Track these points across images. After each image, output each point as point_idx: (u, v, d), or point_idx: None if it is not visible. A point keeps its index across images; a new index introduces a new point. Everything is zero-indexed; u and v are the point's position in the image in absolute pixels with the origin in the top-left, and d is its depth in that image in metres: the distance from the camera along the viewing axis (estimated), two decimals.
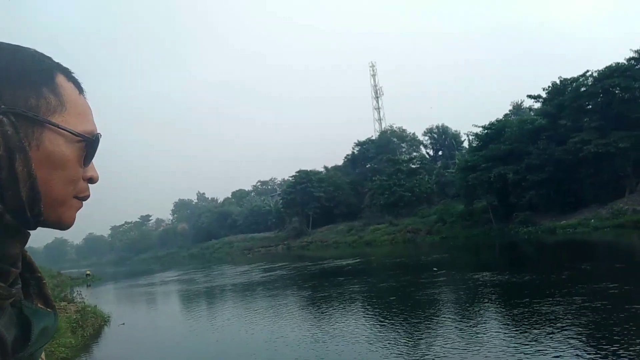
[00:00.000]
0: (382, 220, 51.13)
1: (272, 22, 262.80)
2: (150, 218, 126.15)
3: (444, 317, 10.66)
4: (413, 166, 55.78)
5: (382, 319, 11.25)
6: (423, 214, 48.01)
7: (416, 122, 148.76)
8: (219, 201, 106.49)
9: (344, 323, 11.05)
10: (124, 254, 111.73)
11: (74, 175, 0.65)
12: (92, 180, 0.69)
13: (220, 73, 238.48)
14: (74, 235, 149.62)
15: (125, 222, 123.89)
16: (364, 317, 11.89)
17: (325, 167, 71.01)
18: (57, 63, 0.67)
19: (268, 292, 19.79)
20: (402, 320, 10.77)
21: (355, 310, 12.82)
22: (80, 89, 0.68)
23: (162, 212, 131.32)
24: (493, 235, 35.52)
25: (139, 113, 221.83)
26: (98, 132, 0.68)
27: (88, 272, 44.54)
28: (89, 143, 0.66)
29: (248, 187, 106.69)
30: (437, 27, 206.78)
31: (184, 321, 15.39)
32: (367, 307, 13.51)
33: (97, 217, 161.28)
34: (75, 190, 0.66)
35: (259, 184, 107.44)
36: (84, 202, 0.69)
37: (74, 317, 13.27)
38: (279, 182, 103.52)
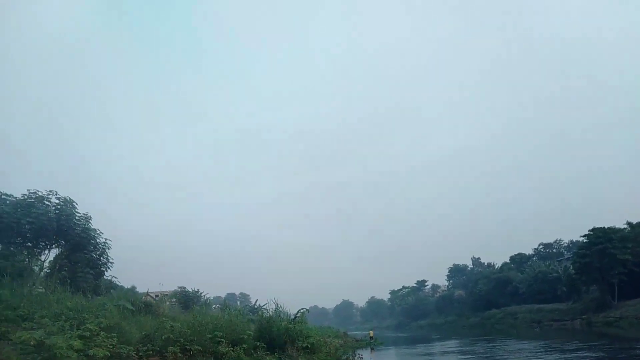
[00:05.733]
0: None
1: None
2: (427, 283, 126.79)
3: None
4: None
5: None
6: None
7: None
8: (496, 266, 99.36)
9: None
10: (402, 318, 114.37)
11: None
12: None
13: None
14: (359, 298, 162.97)
15: (403, 287, 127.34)
16: None
17: (629, 224, 58.07)
18: None
19: None
20: None
21: None
22: None
23: (438, 277, 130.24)
24: None
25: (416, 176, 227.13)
26: None
27: (371, 335, 45.77)
28: None
29: (528, 251, 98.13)
30: None
31: None
32: None
33: (378, 281, 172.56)
34: None
35: (541, 247, 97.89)
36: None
37: None
38: (565, 244, 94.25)
